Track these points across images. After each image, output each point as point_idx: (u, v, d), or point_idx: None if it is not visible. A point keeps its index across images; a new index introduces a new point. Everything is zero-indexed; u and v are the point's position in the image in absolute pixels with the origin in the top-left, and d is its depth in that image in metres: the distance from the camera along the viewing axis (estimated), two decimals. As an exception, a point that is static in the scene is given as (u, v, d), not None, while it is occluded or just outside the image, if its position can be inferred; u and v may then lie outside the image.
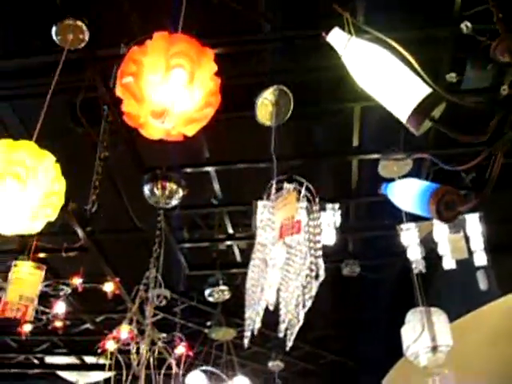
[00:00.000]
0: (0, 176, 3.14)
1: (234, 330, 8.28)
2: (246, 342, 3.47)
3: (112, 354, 4.54)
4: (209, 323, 8.57)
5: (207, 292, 7.32)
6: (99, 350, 4.58)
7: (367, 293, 8.86)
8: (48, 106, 3.65)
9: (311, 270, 3.15)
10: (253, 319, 3.39)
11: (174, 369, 4.90)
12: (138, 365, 4.61)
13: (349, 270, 6.99)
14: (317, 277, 3.06)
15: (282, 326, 3.34)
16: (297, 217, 3.17)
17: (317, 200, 3.22)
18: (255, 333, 3.41)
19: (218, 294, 7.29)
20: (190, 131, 2.92)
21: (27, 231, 3.42)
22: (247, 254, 7.03)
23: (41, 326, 7.41)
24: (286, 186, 3.32)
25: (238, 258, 7.48)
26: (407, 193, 3.26)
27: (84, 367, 9.23)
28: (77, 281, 4.70)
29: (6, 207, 3.18)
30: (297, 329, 3.32)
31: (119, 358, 4.57)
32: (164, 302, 6.61)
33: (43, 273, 4.19)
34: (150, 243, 5.32)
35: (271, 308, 3.45)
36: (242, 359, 9.14)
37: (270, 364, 10.17)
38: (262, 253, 3.36)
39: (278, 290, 3.38)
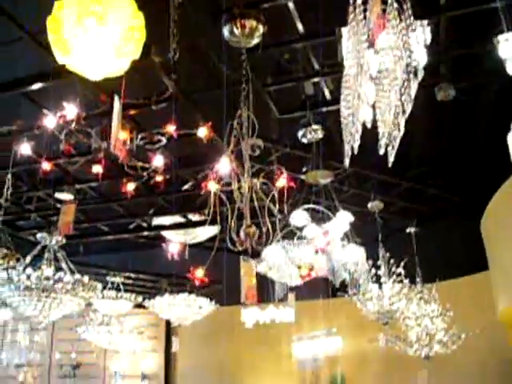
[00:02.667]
0: (79, 16, 3.11)
1: (331, 172, 8.24)
2: (346, 161, 3.38)
3: (215, 194, 4.58)
4: (305, 169, 8.55)
5: (300, 133, 7.27)
6: (202, 192, 4.63)
7: (464, 118, 8.54)
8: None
9: (408, 73, 2.99)
10: (352, 135, 3.28)
11: (276, 208, 4.88)
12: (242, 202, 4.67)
13: (443, 94, 6.66)
14: (415, 74, 2.89)
15: (383, 141, 3.20)
16: (383, 15, 2.97)
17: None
18: (355, 152, 3.30)
19: (311, 133, 7.22)
20: None
21: (114, 72, 3.42)
22: (336, 93, 6.83)
23: (143, 186, 7.66)
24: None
25: (328, 96, 7.29)
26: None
27: (190, 224, 9.52)
28: (171, 128, 4.69)
29: (90, 48, 3.16)
30: (398, 141, 3.19)
31: (222, 197, 4.62)
32: (258, 152, 6.60)
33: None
34: (236, 87, 5.20)
35: (369, 125, 3.32)
36: (341, 203, 9.17)
37: (370, 205, 10.19)
38: (355, 61, 3.19)
39: (374, 107, 3.24)
